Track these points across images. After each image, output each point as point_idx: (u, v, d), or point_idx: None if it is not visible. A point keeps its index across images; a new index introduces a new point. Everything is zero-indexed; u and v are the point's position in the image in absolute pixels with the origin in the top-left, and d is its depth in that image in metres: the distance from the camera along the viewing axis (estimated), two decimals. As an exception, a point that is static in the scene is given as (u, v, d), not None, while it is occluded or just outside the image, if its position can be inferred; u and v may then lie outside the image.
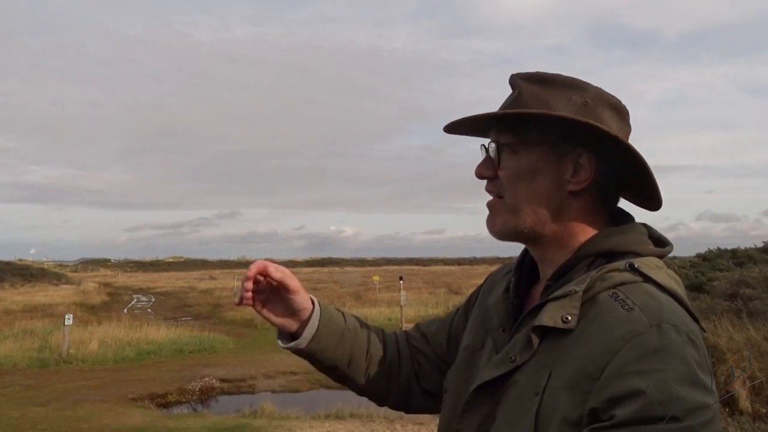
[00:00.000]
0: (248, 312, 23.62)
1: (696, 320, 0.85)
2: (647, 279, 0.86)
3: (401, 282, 18.47)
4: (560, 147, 0.93)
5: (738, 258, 14.74)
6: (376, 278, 30.95)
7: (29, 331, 16.89)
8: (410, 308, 19.68)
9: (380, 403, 1.26)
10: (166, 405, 10.72)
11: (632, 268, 0.87)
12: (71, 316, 14.64)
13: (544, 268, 0.99)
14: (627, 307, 0.82)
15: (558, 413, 0.80)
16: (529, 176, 0.94)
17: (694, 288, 12.97)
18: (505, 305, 1.01)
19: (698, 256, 15.95)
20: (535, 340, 0.88)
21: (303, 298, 1.17)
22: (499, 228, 0.98)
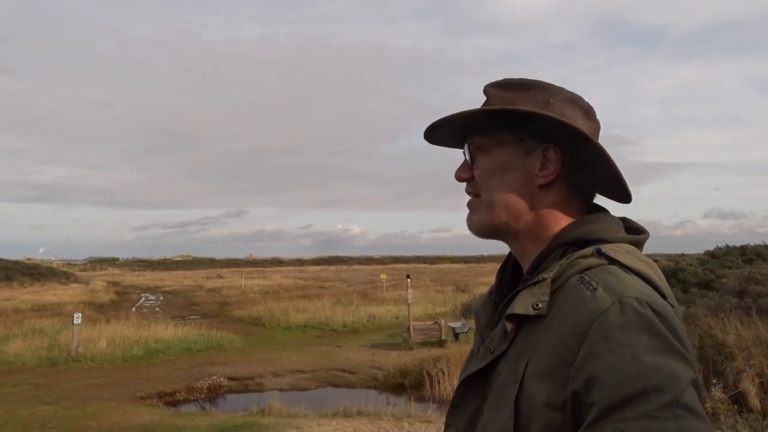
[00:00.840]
0: (256, 311, 23.78)
1: (664, 297, 0.86)
2: (612, 261, 0.88)
3: (408, 280, 18.46)
4: (527, 143, 0.98)
5: (747, 255, 14.67)
6: (383, 276, 30.95)
7: (38, 330, 16.99)
8: (418, 306, 19.69)
9: None
10: (174, 403, 10.77)
11: (599, 253, 0.90)
12: (80, 315, 14.73)
13: (524, 264, 1.02)
14: (591, 288, 0.84)
15: (539, 400, 0.81)
16: (499, 173, 0.99)
17: (703, 285, 12.91)
18: (489, 304, 1.06)
19: (707, 253, 15.89)
20: (510, 328, 0.90)
21: None
22: (476, 224, 1.03)
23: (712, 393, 8.08)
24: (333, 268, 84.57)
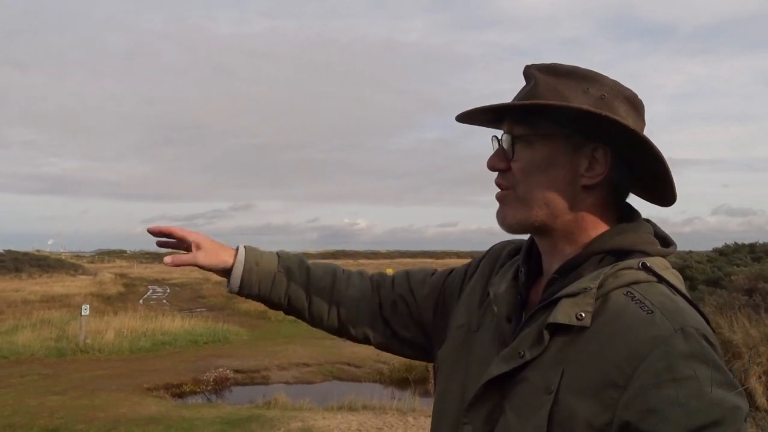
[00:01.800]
0: (262, 305, 23.72)
1: (706, 320, 0.85)
2: (661, 279, 0.86)
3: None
4: (575, 140, 0.92)
5: (756, 253, 14.58)
6: (389, 271, 30.94)
7: (47, 321, 17.10)
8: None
9: (339, 335, 1.35)
10: (180, 395, 10.83)
11: (645, 268, 0.86)
12: (88, 306, 14.82)
13: (550, 261, 0.98)
14: (647, 309, 0.81)
15: (578, 417, 0.79)
16: (543, 168, 0.93)
17: (711, 283, 12.84)
18: (513, 294, 1.00)
19: (715, 251, 15.80)
20: (547, 336, 0.86)
21: (212, 250, 1.24)
22: (511, 220, 0.96)
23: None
24: (339, 262, 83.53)
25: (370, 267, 58.32)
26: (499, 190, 0.99)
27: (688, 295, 0.87)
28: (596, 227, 0.94)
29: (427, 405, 9.14)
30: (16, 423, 8.03)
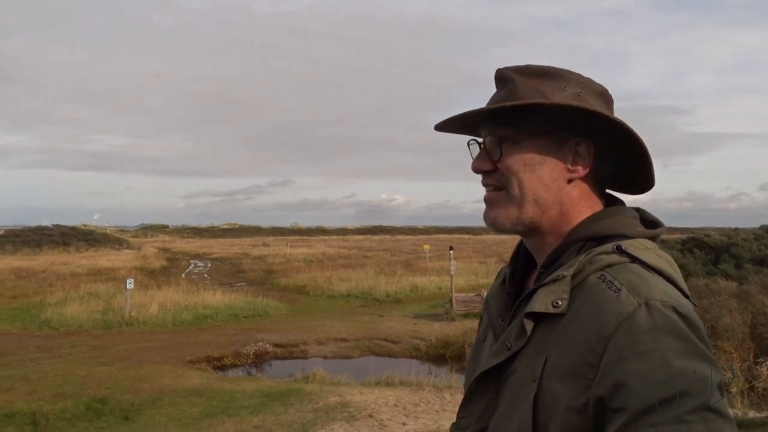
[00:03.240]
0: (300, 279, 24.15)
1: (686, 295, 0.86)
2: (634, 259, 0.88)
3: (451, 252, 18.43)
4: (559, 136, 0.96)
5: (806, 230, 14.08)
6: (426, 247, 30.97)
7: (94, 294, 17.67)
8: (460, 277, 19.68)
9: None
10: (222, 368, 11.10)
11: (619, 250, 0.89)
12: (132, 280, 15.27)
13: (539, 257, 1.01)
14: (614, 288, 0.83)
15: (560, 401, 0.81)
16: (531, 167, 0.96)
17: (758, 261, 12.49)
18: (502, 295, 1.05)
19: (762, 228, 15.34)
20: (529, 326, 0.89)
21: None
22: (501, 220, 0.99)
23: (759, 371, 7.88)
24: (376, 237, 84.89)
25: (408, 243, 58.39)
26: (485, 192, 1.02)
27: (669, 271, 0.88)
28: (580, 218, 0.97)
29: (463, 381, 9.17)
30: (67, 392, 8.37)
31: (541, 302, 0.88)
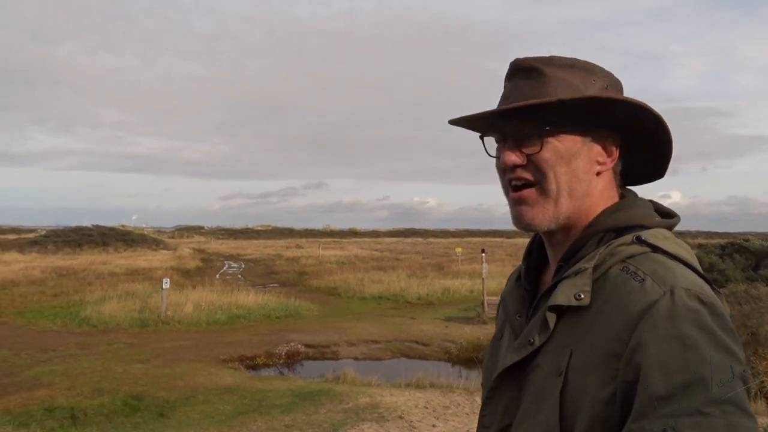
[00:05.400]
0: (332, 281, 24.26)
1: (709, 282, 0.85)
2: (656, 249, 0.87)
3: (483, 255, 18.32)
4: (591, 129, 0.95)
5: None
6: (458, 250, 30.86)
7: (131, 294, 18.02)
8: (492, 281, 19.52)
9: None
10: (254, 367, 11.23)
11: (639, 240, 0.88)
12: (168, 280, 15.53)
13: (558, 252, 0.99)
14: (639, 278, 0.83)
15: (587, 393, 0.81)
16: (567, 160, 0.94)
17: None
18: (519, 291, 1.04)
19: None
20: (552, 320, 0.89)
21: None
22: (540, 220, 0.95)
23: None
24: (408, 240, 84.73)
25: (440, 246, 58.20)
26: (511, 191, 0.98)
27: (690, 259, 0.88)
28: (598, 210, 0.97)
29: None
30: (105, 388, 8.57)
31: (563, 295, 0.88)
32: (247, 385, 8.96)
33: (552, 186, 0.94)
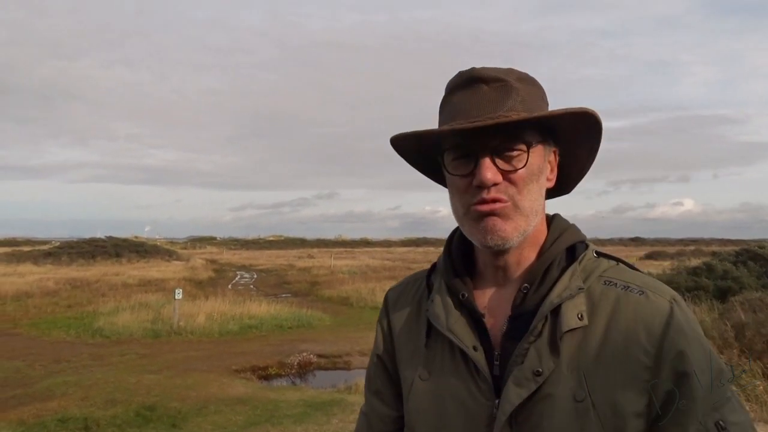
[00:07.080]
0: (344, 290, 24.24)
1: None
2: (618, 261, 0.95)
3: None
4: (547, 144, 0.96)
5: None
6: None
7: (144, 304, 18.08)
8: (505, 290, 19.40)
9: None
10: (266, 377, 11.21)
11: (602, 255, 0.95)
12: (181, 290, 15.61)
13: (514, 271, 0.96)
14: (637, 290, 0.87)
15: (624, 410, 0.82)
16: (535, 177, 0.93)
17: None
18: (468, 322, 0.95)
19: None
20: (562, 346, 0.87)
21: None
22: (512, 233, 0.91)
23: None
24: (420, 249, 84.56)
25: (451, 255, 57.85)
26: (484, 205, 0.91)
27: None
28: (544, 228, 0.99)
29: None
30: (117, 398, 8.59)
31: (572, 318, 0.86)
32: (260, 395, 8.95)
33: (523, 204, 0.91)
